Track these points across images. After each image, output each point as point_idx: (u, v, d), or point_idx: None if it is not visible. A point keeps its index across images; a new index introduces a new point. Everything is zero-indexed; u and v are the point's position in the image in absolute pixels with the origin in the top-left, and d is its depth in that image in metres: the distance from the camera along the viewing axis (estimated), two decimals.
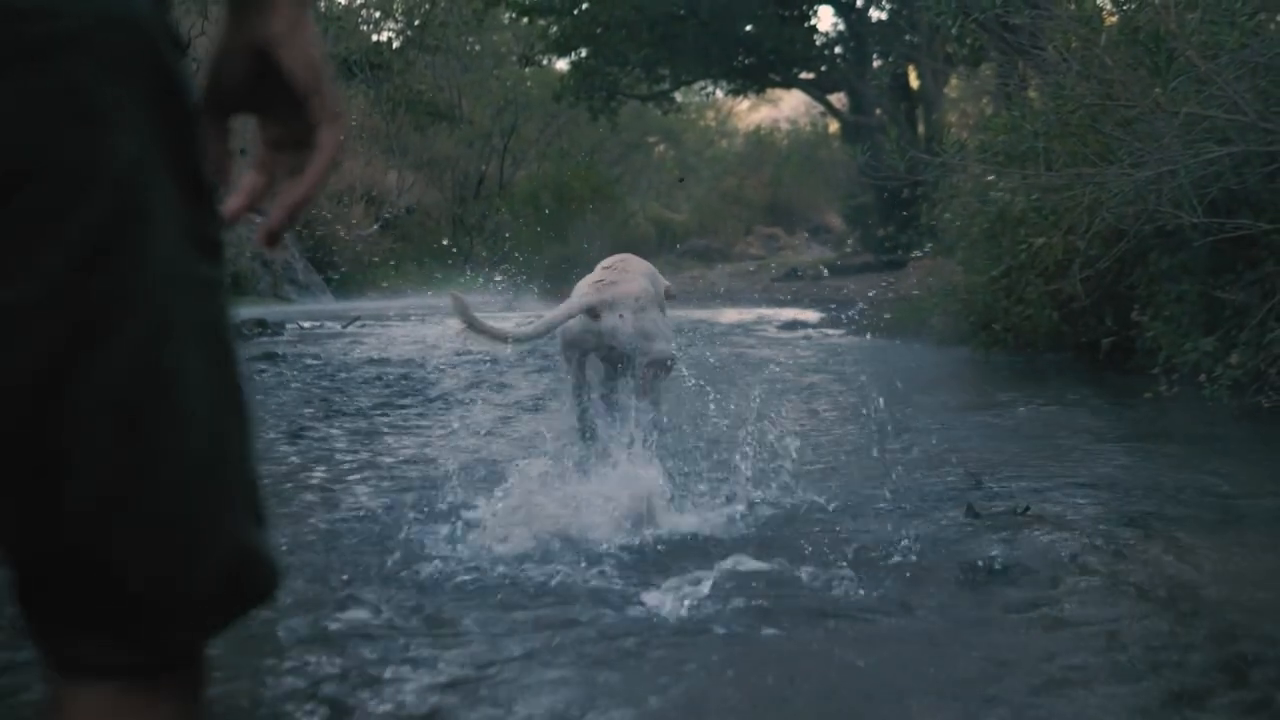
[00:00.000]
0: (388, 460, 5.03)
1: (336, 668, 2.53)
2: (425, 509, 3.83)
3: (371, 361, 9.28)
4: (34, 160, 0.91)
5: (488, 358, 8.66)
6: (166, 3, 1.01)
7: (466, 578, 3.14)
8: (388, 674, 2.48)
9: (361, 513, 3.94)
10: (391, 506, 3.99)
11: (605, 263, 4.45)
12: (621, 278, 4.27)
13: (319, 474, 4.72)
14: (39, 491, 0.95)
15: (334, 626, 2.78)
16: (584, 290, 4.25)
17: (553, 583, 3.08)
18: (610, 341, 4.19)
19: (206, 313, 1.03)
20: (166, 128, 0.98)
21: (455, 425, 5.79)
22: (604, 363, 4.35)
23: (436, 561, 3.26)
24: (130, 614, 0.98)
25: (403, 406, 6.80)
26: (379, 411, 6.56)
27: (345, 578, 3.15)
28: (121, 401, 0.95)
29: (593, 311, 4.16)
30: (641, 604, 2.90)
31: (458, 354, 9.21)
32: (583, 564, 3.21)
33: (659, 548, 3.39)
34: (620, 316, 4.15)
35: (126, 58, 0.95)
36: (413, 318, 14.76)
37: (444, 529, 3.55)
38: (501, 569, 3.20)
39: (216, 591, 1.01)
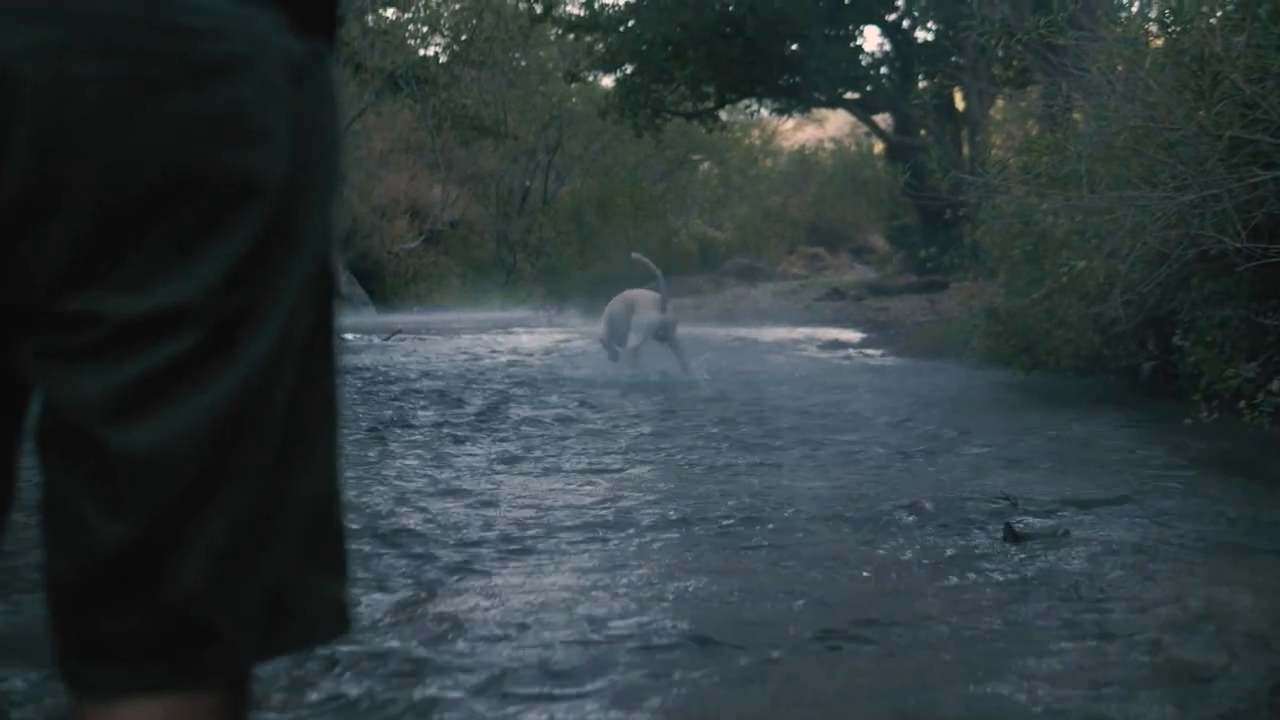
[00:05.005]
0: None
1: None
2: None
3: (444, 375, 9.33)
4: (201, 173, 0.95)
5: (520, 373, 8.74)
6: (314, 40, 1.03)
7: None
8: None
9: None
10: None
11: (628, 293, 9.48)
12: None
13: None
14: (107, 490, 0.96)
15: None
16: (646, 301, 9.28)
17: None
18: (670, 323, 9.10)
19: (318, 351, 1.06)
20: (310, 154, 1.01)
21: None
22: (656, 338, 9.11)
23: None
24: (162, 634, 0.98)
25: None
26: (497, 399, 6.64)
27: None
28: (216, 417, 0.97)
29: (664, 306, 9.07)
30: None
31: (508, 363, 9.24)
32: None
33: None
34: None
35: (279, 84, 0.98)
36: (456, 332, 14.83)
37: None
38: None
39: (253, 624, 1.01)
